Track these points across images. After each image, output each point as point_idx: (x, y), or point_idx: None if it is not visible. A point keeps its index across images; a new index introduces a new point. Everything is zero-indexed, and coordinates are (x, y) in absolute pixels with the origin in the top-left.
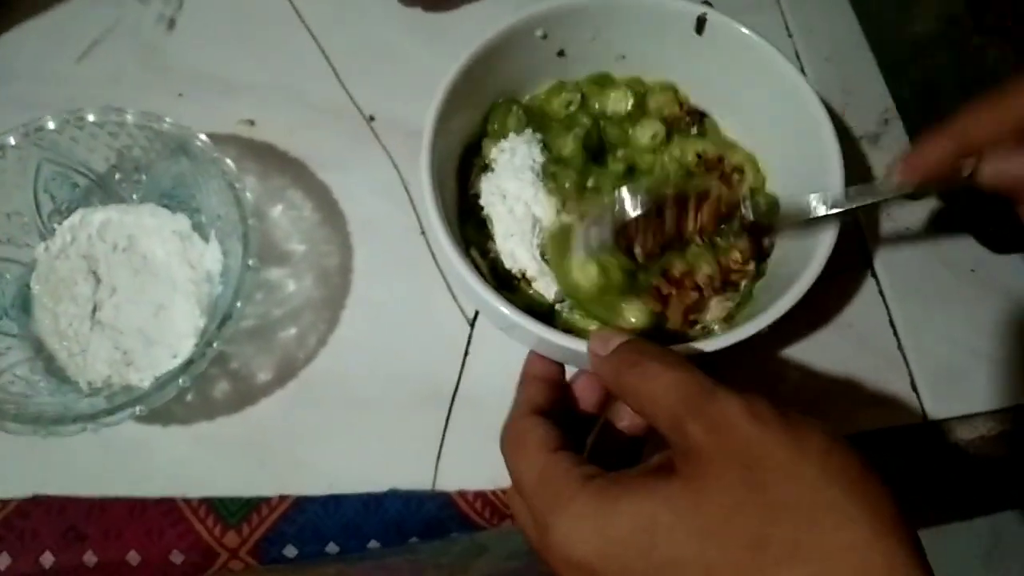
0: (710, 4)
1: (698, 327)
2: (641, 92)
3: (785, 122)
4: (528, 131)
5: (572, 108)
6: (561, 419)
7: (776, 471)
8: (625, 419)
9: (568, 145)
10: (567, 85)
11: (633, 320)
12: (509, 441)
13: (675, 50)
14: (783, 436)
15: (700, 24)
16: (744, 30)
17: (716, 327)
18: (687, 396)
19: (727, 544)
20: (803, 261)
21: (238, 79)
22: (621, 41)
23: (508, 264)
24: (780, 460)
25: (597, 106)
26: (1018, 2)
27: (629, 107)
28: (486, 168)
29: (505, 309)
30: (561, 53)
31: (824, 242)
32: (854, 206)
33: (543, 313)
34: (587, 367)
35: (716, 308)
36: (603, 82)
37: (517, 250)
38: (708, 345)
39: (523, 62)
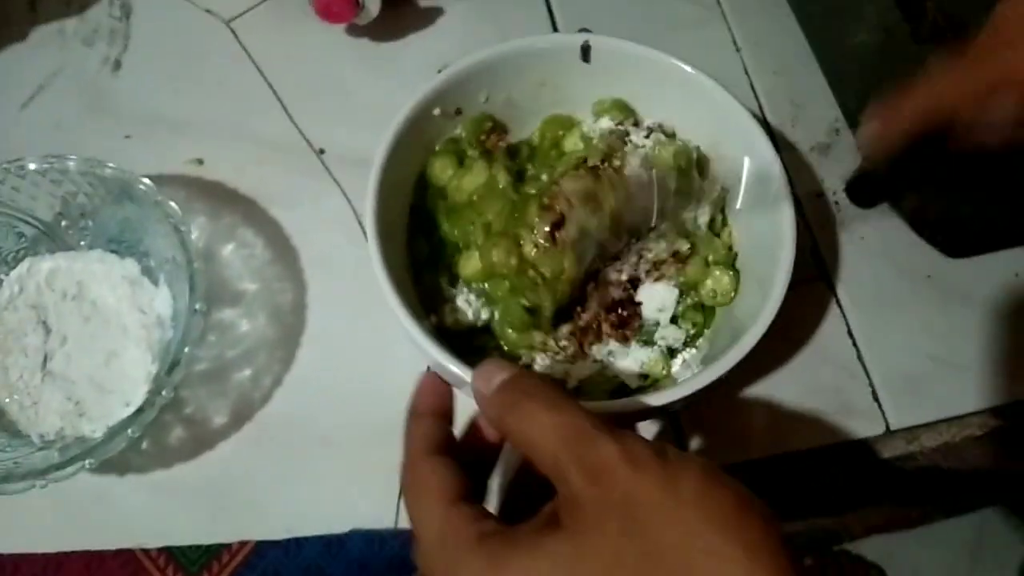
0: (589, 31)
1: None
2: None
3: (706, 119)
4: None
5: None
6: (460, 452)
7: (653, 516)
8: None
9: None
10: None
11: None
12: (409, 488)
13: (575, 85)
14: (660, 479)
15: (585, 53)
16: (628, 46)
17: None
18: (566, 441)
19: None
20: (765, 284)
21: (186, 118)
22: (513, 90)
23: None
24: (657, 504)
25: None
26: (952, 12)
27: None
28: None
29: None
30: (459, 111)
31: (780, 276)
32: None
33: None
34: None
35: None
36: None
37: None
38: (674, 393)
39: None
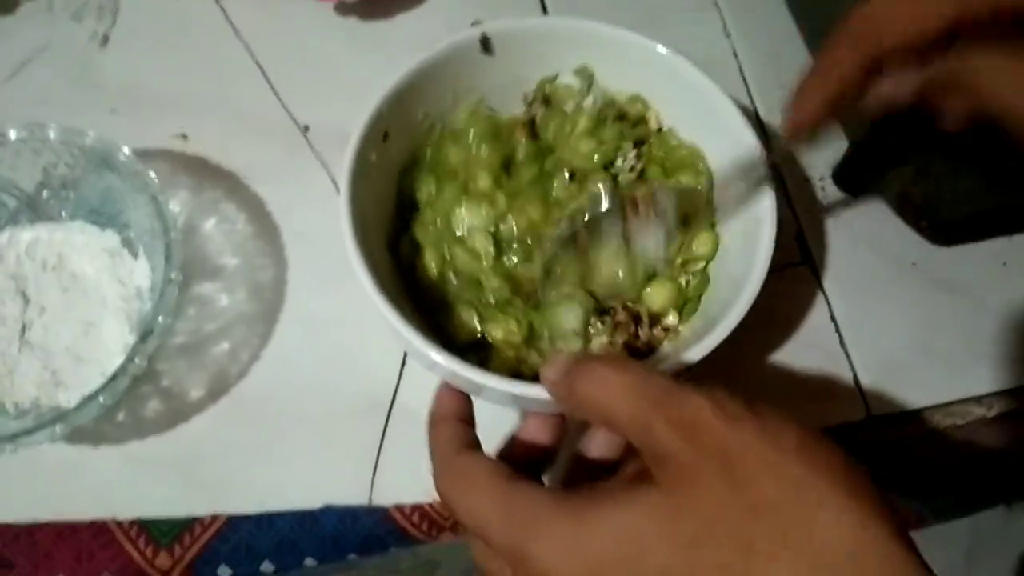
0: (480, 21)
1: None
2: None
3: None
4: None
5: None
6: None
7: (755, 469)
8: (594, 449)
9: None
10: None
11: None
12: (451, 482)
13: (501, 78)
14: (759, 432)
15: (486, 44)
16: (529, 23)
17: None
18: (650, 398)
19: (715, 548)
20: (747, 258)
21: (171, 93)
22: (432, 102)
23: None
24: (758, 457)
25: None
26: None
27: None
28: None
29: (435, 355)
30: (386, 137)
31: (764, 239)
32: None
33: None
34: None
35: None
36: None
37: None
38: (688, 355)
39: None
